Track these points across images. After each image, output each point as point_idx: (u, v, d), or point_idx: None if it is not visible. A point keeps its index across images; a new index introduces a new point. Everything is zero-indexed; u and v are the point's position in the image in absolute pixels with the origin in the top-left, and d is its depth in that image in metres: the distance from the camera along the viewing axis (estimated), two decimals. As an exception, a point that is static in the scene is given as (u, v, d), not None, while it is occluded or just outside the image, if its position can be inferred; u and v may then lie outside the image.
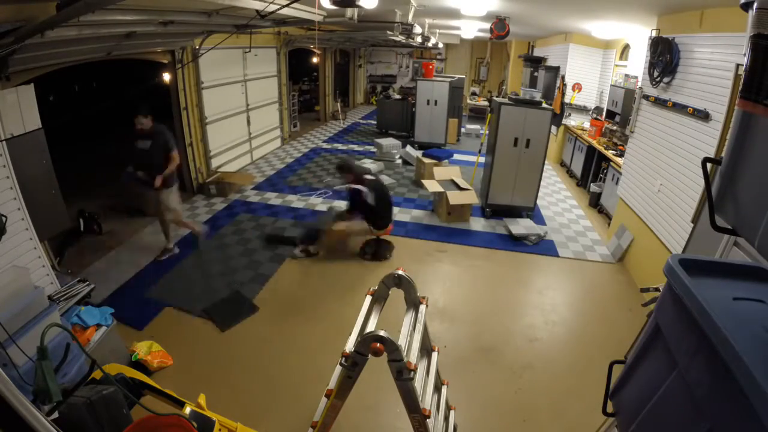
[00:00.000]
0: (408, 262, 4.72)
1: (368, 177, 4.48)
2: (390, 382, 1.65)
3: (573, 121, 8.35)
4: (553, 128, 7.27)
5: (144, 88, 7.43)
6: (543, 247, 5.27)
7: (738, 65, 3.18)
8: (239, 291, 4.03)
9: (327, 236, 4.51)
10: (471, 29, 9.40)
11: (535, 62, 10.00)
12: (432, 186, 5.85)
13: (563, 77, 8.20)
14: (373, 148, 9.38)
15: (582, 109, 8.40)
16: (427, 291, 4.20)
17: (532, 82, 9.85)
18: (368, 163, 7.86)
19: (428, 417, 1.71)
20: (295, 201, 6.41)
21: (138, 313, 3.68)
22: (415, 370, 1.61)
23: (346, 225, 4.49)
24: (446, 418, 2.27)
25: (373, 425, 2.80)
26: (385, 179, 7.50)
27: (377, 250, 4.73)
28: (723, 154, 1.18)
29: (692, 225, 3.56)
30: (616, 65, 7.61)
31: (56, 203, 3.78)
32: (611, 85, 7.35)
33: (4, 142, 2.93)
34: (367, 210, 4.37)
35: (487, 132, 6.50)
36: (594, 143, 6.83)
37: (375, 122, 11.99)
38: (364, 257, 4.73)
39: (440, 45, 14.59)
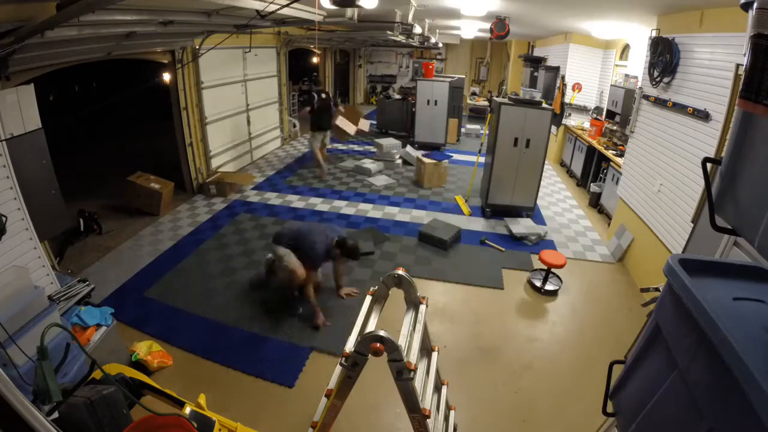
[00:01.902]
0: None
1: None
2: (390, 382, 1.65)
3: (573, 121, 8.35)
4: (553, 128, 7.27)
5: (144, 88, 7.41)
6: (543, 246, 5.25)
7: (738, 65, 3.18)
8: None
9: None
10: (471, 29, 9.40)
11: (535, 62, 9.99)
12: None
13: (563, 77, 8.19)
14: (373, 148, 9.38)
15: (582, 109, 8.40)
16: (428, 291, 4.21)
17: (532, 82, 9.85)
18: (368, 163, 7.86)
19: (428, 417, 1.71)
20: (296, 201, 6.41)
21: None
22: (415, 370, 1.61)
23: None
24: (446, 418, 2.27)
25: (373, 425, 2.80)
26: (385, 179, 7.51)
27: None
28: (723, 154, 1.18)
29: (692, 225, 3.56)
30: (616, 65, 7.61)
31: (56, 203, 3.78)
32: (611, 85, 7.35)
33: (4, 142, 2.92)
34: None
35: (487, 132, 6.50)
36: (594, 143, 6.83)
37: (375, 122, 11.98)
38: None
39: (440, 45, 14.59)
